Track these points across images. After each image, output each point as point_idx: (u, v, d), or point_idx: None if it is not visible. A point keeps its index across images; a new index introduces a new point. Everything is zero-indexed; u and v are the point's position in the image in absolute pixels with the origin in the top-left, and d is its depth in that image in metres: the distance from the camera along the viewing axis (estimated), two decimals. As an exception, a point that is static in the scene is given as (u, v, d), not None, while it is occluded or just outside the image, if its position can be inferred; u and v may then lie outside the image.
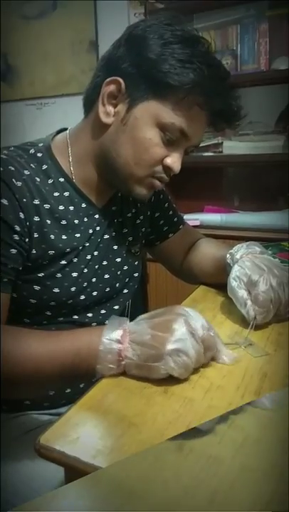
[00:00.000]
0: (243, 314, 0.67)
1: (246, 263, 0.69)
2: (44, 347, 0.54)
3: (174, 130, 0.63)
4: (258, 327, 0.66)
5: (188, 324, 0.52)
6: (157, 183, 0.68)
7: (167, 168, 0.67)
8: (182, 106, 0.62)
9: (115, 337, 0.52)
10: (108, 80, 0.64)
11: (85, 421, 0.47)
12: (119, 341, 0.52)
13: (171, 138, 0.64)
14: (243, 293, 0.67)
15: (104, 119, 0.65)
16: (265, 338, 0.65)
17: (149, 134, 0.64)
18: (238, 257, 0.72)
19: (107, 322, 0.74)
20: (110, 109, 0.65)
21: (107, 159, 0.67)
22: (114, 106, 0.65)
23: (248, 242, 0.75)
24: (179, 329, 0.51)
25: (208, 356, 0.55)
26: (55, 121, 2.02)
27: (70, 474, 0.44)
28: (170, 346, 0.50)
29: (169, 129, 0.63)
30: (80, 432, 0.45)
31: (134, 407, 0.48)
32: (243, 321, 0.68)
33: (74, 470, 0.41)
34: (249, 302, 0.65)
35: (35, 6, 2.22)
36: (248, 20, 1.61)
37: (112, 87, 0.64)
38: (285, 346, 0.62)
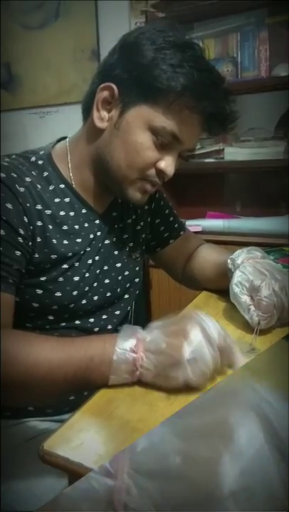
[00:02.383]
0: (247, 320, 0.67)
1: (248, 268, 0.69)
2: (57, 353, 0.54)
3: (165, 134, 0.64)
4: (261, 332, 0.66)
5: (204, 332, 0.52)
6: (149, 187, 0.69)
7: (160, 172, 0.67)
8: (173, 110, 0.62)
9: (129, 346, 0.52)
10: (102, 86, 0.65)
11: (88, 426, 0.47)
12: (133, 351, 0.51)
13: (164, 142, 0.65)
14: (245, 298, 0.67)
15: (99, 124, 0.66)
16: (268, 343, 0.64)
17: (140, 138, 0.64)
18: (239, 262, 0.72)
19: (110, 327, 0.76)
20: (104, 114, 0.66)
21: (102, 163, 0.68)
22: (108, 111, 0.66)
23: (248, 247, 0.75)
24: (196, 337, 0.51)
25: (225, 365, 0.54)
26: (57, 129, 2.03)
27: (74, 480, 0.44)
28: (188, 355, 0.50)
29: (160, 132, 0.64)
30: (84, 438, 0.45)
31: (138, 413, 0.49)
32: (246, 327, 0.68)
33: (78, 475, 0.41)
34: (252, 308, 0.66)
35: (37, 16, 2.25)
36: (247, 27, 1.62)
37: (105, 93, 0.65)
38: (287, 351, 0.62)
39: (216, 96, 0.64)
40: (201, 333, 0.51)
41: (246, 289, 0.67)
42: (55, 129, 2.25)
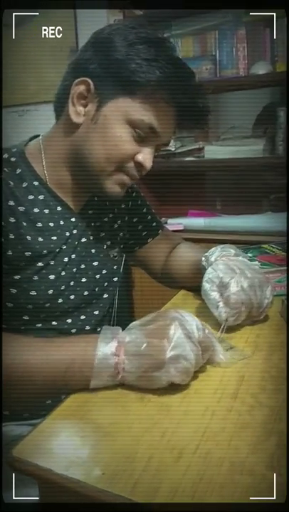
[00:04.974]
0: (215, 316, 0.67)
1: (219, 266, 0.69)
2: (36, 355, 0.53)
3: (143, 126, 0.65)
4: (233, 329, 0.66)
5: (183, 328, 0.52)
6: (127, 179, 0.69)
7: (138, 165, 0.68)
8: (150, 102, 0.64)
9: (110, 350, 0.51)
10: (77, 80, 0.65)
11: (59, 431, 0.46)
12: (114, 354, 0.51)
13: (141, 135, 0.65)
14: (214, 295, 0.67)
15: (75, 119, 0.66)
16: (244, 341, 0.65)
17: (119, 131, 0.65)
18: (212, 259, 0.72)
19: (88, 328, 0.75)
20: (80, 108, 0.66)
21: (79, 158, 0.68)
22: (84, 106, 0.66)
23: (223, 245, 0.76)
24: (176, 334, 0.51)
25: (205, 358, 0.54)
26: (37, 128, 2.00)
27: (44, 486, 0.43)
28: (169, 353, 0.49)
29: (138, 125, 0.65)
30: (54, 443, 0.44)
31: (110, 416, 0.48)
32: (220, 325, 0.68)
33: (47, 482, 0.40)
34: (221, 304, 0.66)
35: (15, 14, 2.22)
36: (225, 26, 1.63)
37: (81, 88, 0.65)
38: (262, 348, 0.62)
39: (190, 89, 0.66)
40: (180, 329, 0.51)
41: (216, 286, 0.67)
42: (34, 128, 2.22)
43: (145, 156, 0.67)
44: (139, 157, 0.67)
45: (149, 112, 0.64)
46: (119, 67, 0.62)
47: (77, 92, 0.65)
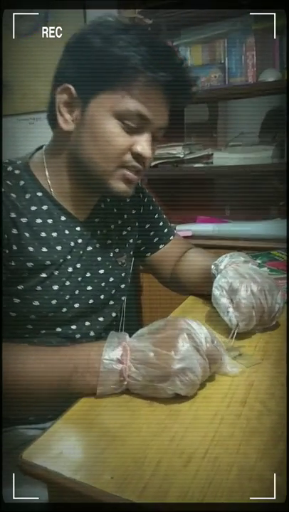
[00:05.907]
0: (226, 322, 0.67)
1: (229, 272, 0.69)
2: (41, 364, 0.54)
3: (131, 115, 0.63)
4: (242, 335, 0.66)
5: (192, 339, 0.51)
6: (131, 174, 0.68)
7: (137, 156, 0.66)
8: (132, 90, 0.62)
9: (115, 356, 0.51)
10: (59, 89, 0.66)
11: (68, 435, 0.46)
12: (119, 361, 0.51)
13: (131, 125, 0.64)
14: (225, 301, 0.67)
15: (65, 127, 0.66)
16: (253, 347, 0.65)
17: (107, 127, 0.64)
18: (222, 267, 0.72)
19: (92, 333, 0.75)
20: (68, 116, 0.66)
21: (78, 164, 0.68)
22: (71, 112, 0.66)
23: (232, 253, 0.76)
24: (184, 346, 0.50)
25: (213, 369, 0.54)
26: (48, 135, 2.03)
27: (53, 489, 0.43)
28: (176, 365, 0.49)
29: (126, 116, 0.63)
30: (63, 447, 0.44)
31: (119, 420, 0.48)
32: (230, 331, 0.68)
33: (56, 485, 0.41)
34: (231, 309, 0.66)
35: (26, 22, 2.25)
36: (234, 34, 1.64)
37: (63, 95, 0.66)
38: (272, 355, 0.62)
39: (170, 65, 0.64)
40: (188, 340, 0.51)
41: (226, 292, 0.67)
42: (45, 135, 2.24)
43: (142, 146, 0.65)
44: (137, 148, 0.65)
45: (133, 99, 0.62)
46: (94, 62, 0.62)
47: (61, 101, 0.66)
